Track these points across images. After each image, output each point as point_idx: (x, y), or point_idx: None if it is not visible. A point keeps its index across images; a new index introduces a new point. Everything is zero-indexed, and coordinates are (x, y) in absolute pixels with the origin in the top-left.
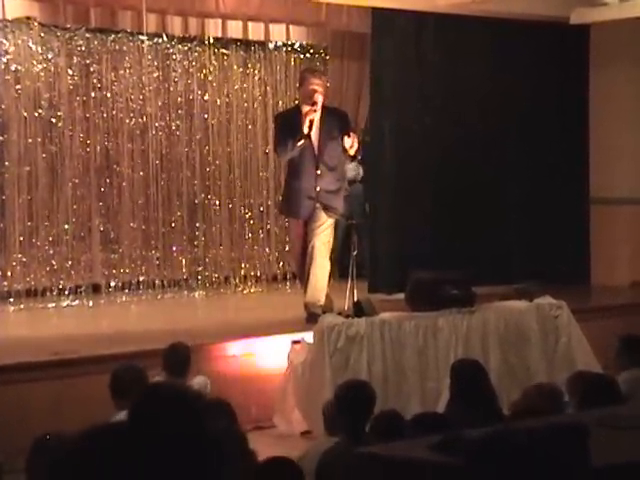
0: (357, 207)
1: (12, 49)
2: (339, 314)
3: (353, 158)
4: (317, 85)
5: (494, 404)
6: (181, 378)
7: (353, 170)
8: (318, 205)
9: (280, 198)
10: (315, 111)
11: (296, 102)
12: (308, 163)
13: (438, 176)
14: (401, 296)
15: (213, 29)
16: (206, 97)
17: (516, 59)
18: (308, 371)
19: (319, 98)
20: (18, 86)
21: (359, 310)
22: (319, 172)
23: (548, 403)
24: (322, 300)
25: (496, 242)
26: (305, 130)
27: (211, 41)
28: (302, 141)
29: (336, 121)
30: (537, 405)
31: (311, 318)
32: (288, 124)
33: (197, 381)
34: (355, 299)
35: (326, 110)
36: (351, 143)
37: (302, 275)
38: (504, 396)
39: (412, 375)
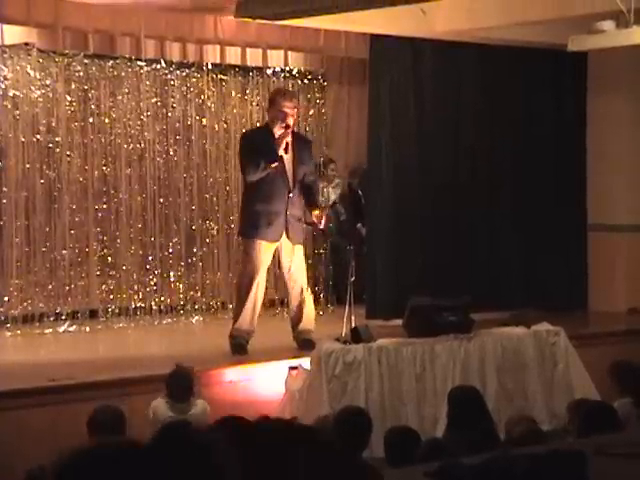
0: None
1: (10, 75)
2: (337, 340)
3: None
4: (288, 108)
5: (492, 430)
6: (183, 402)
7: (333, 194)
8: (286, 231)
9: (240, 221)
10: (289, 134)
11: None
12: (280, 186)
13: (435, 202)
14: (399, 322)
15: (211, 55)
16: (204, 122)
17: (513, 85)
18: (305, 397)
19: (290, 120)
20: (16, 111)
21: (356, 336)
22: (291, 195)
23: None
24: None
25: (494, 268)
26: (280, 152)
27: (209, 67)
28: (276, 163)
29: (304, 147)
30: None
31: (305, 344)
32: (258, 144)
33: (196, 404)
34: (352, 325)
35: (295, 135)
36: (317, 220)
37: (241, 302)
38: (502, 422)
39: (410, 401)
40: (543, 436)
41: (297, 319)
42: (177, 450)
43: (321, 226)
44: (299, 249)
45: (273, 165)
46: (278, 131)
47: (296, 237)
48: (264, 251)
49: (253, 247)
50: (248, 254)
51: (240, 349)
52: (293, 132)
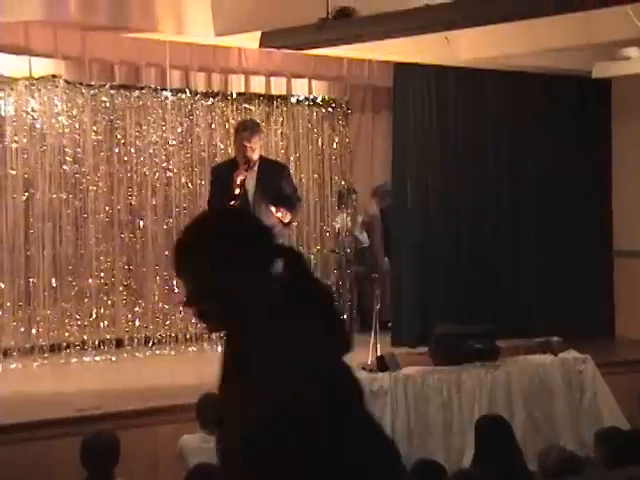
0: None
1: (38, 107)
2: (362, 369)
3: (287, 224)
4: (247, 141)
5: (520, 460)
6: (215, 431)
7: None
8: None
9: None
10: (246, 170)
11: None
12: None
13: (460, 230)
14: (424, 350)
15: (236, 84)
16: (229, 151)
17: (538, 113)
18: None
19: (252, 155)
20: (43, 142)
21: (382, 365)
22: None
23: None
24: None
25: (520, 295)
26: (236, 191)
27: (234, 96)
28: (233, 202)
29: (273, 176)
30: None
31: None
32: (222, 179)
33: None
34: (378, 353)
35: (263, 164)
36: (281, 215)
37: None
38: (529, 451)
39: (436, 430)
40: (578, 463)
41: None
42: None
43: (286, 220)
44: None
45: (230, 204)
46: (241, 164)
47: None
48: None
49: None
50: None
51: None
52: (263, 160)
